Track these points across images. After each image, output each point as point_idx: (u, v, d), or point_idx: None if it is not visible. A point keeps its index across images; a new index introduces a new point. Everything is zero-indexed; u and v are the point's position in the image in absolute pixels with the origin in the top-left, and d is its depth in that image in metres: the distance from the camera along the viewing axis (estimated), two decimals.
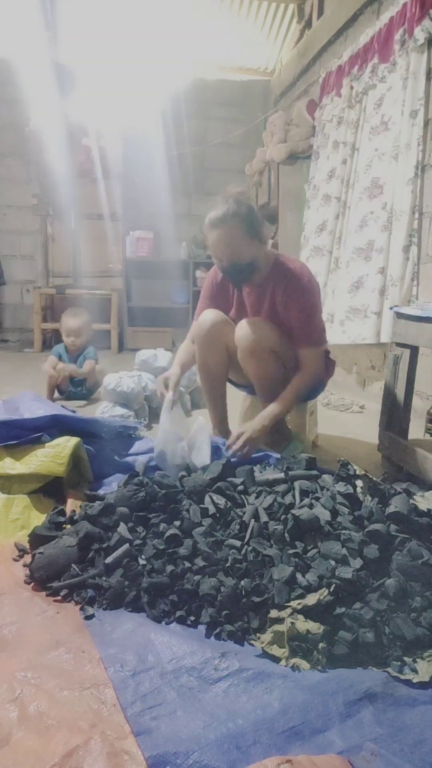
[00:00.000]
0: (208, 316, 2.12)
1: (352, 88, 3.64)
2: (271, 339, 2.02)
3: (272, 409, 1.97)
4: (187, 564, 1.31)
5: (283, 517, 1.45)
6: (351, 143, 3.70)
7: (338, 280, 3.77)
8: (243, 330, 2.01)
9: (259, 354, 2.00)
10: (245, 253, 1.93)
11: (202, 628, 1.20)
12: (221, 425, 2.30)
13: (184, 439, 1.94)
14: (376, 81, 3.35)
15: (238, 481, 1.66)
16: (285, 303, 2.03)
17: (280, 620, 1.15)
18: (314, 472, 1.67)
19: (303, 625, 1.12)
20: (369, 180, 3.41)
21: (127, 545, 1.36)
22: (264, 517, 1.45)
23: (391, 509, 1.40)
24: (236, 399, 2.51)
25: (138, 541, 1.40)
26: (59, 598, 1.27)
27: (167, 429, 1.94)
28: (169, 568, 1.29)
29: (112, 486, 1.85)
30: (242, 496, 1.60)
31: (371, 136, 3.43)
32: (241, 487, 1.63)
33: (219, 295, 2.22)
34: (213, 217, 1.91)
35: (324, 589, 1.19)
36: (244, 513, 1.48)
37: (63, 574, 1.33)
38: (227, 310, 2.21)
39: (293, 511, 1.41)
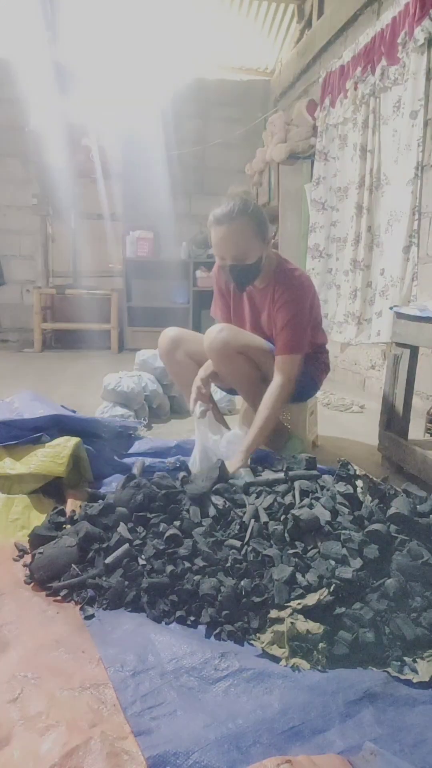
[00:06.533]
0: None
1: (356, 88, 3.61)
2: (237, 341, 2.00)
3: (248, 440, 1.91)
4: (187, 564, 1.31)
5: (283, 517, 1.44)
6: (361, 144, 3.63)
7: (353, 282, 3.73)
8: (210, 335, 1.99)
9: (229, 355, 1.98)
10: (251, 253, 1.90)
11: (202, 628, 1.19)
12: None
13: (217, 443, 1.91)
14: (389, 84, 3.29)
15: (237, 481, 1.66)
16: (276, 305, 2.01)
17: (280, 620, 1.15)
18: (314, 472, 1.67)
19: (303, 625, 1.12)
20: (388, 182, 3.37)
21: (127, 545, 1.36)
22: (264, 517, 1.44)
23: (392, 511, 1.40)
24: (237, 399, 2.51)
25: (138, 541, 1.39)
26: (59, 598, 1.27)
27: (206, 437, 1.90)
28: (169, 568, 1.29)
29: (111, 486, 1.84)
30: (242, 496, 1.60)
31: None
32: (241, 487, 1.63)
33: (221, 293, 2.22)
34: (219, 214, 1.86)
35: (324, 589, 1.19)
36: (244, 513, 1.48)
37: (63, 574, 1.33)
38: (227, 310, 2.21)
39: (293, 511, 1.40)
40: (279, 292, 2.00)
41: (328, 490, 1.54)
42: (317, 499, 1.49)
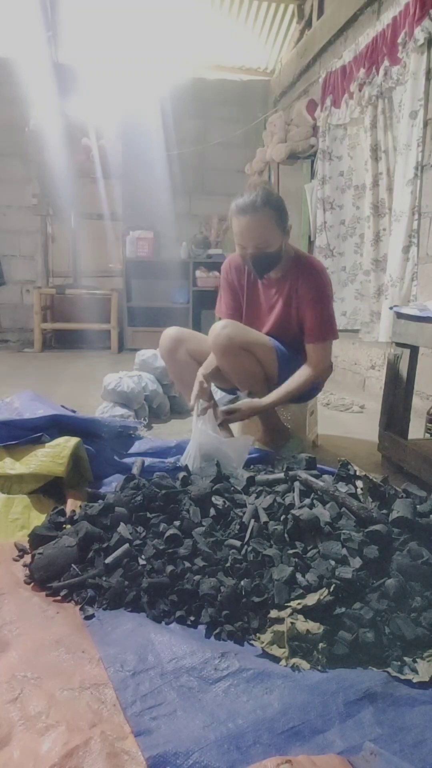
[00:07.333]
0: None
1: (360, 89, 3.59)
2: (241, 337, 2.02)
3: (272, 395, 2.03)
4: (187, 564, 1.31)
5: (283, 517, 1.44)
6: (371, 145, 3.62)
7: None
8: (215, 331, 2.02)
9: (233, 351, 2.01)
10: (272, 242, 1.95)
11: (202, 628, 1.19)
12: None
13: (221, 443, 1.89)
14: (393, 84, 3.28)
15: (237, 481, 1.66)
16: (301, 296, 2.06)
17: (280, 620, 1.15)
18: (314, 472, 1.66)
19: (303, 625, 1.12)
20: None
21: (127, 545, 1.36)
22: (264, 517, 1.44)
23: (394, 515, 1.39)
24: None
25: (138, 541, 1.39)
26: (59, 598, 1.27)
27: (208, 433, 1.88)
28: (169, 568, 1.29)
29: (111, 486, 1.84)
30: (242, 496, 1.60)
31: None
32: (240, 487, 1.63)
33: (232, 289, 2.23)
34: (242, 204, 1.91)
35: (324, 589, 1.19)
36: (244, 513, 1.48)
37: (63, 574, 1.33)
38: (239, 304, 2.23)
39: (293, 511, 1.40)
40: (303, 283, 2.05)
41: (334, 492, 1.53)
42: (317, 499, 1.49)
